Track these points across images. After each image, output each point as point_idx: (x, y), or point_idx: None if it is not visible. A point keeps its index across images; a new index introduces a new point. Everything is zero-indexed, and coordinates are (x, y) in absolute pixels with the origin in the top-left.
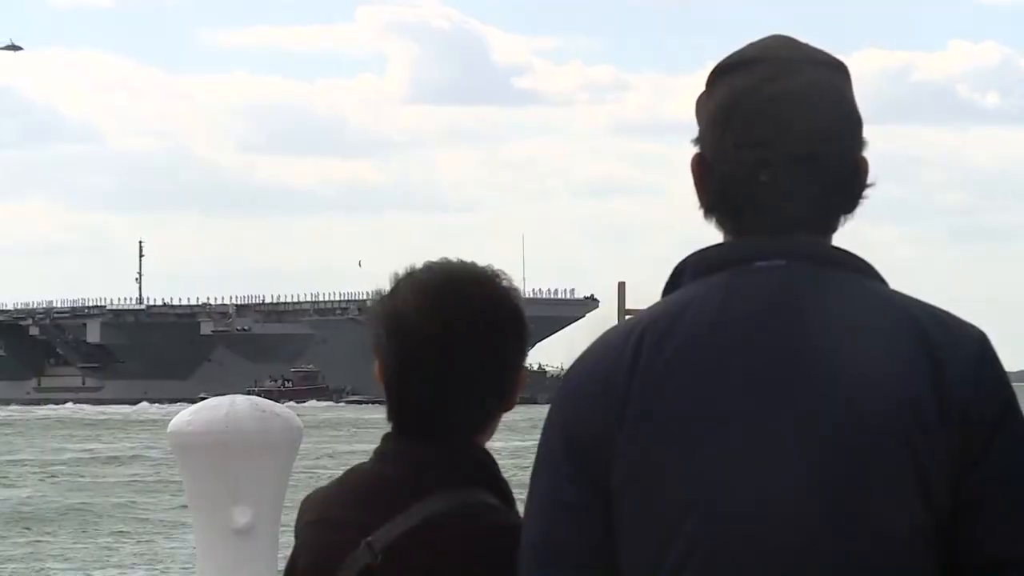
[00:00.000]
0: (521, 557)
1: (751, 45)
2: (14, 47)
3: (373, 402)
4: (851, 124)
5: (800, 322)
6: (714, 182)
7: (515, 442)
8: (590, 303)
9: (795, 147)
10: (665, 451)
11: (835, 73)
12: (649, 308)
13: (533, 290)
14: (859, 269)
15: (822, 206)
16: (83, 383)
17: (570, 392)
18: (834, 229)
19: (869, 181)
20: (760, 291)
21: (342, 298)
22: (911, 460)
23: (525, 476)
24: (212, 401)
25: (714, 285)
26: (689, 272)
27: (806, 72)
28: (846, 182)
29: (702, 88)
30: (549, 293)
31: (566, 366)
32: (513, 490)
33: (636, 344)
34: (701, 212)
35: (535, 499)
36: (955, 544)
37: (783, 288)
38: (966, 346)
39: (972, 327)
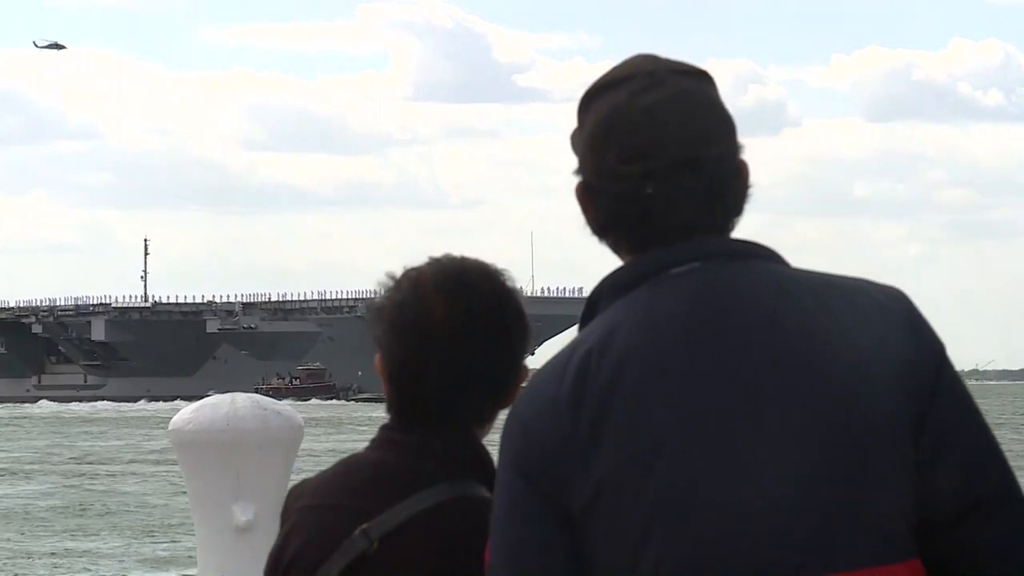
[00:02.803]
0: None
1: (614, 68)
2: (57, 46)
3: (381, 400)
4: (726, 127)
5: (736, 319)
6: (602, 204)
7: None
8: None
9: (676, 153)
10: (624, 462)
11: (701, 81)
12: (580, 334)
13: (542, 288)
14: (768, 257)
15: (711, 210)
16: (85, 380)
17: (517, 426)
18: (728, 232)
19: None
20: (686, 295)
21: (349, 296)
22: (900, 453)
23: None
24: (213, 399)
25: (636, 300)
26: (605, 297)
27: (672, 82)
28: (731, 185)
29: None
30: (558, 291)
31: None
32: None
33: (581, 365)
34: (594, 235)
35: (498, 537)
36: (920, 501)
37: (707, 288)
38: (894, 307)
39: (891, 288)
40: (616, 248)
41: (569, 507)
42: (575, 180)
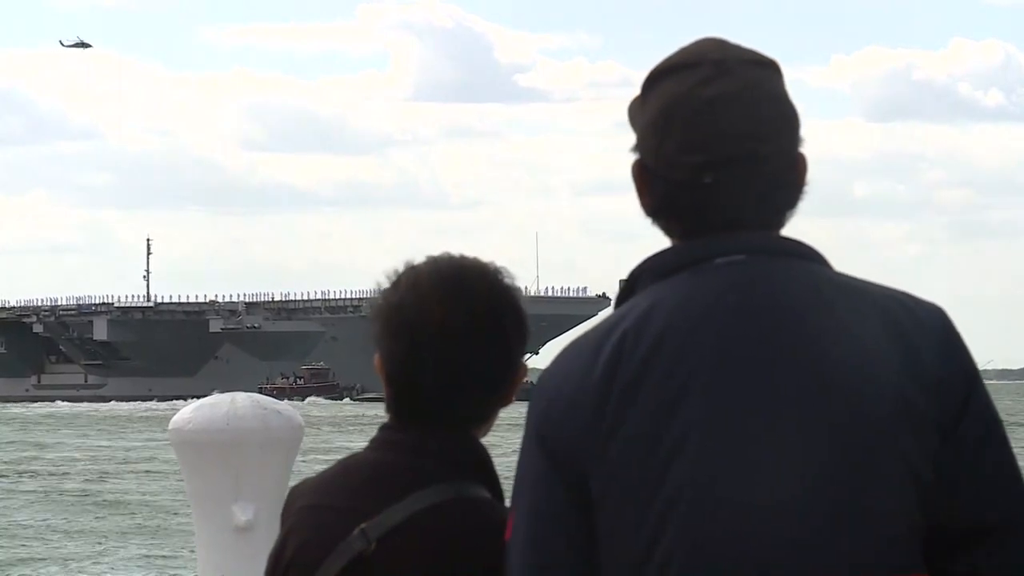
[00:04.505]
0: (511, 574)
1: (682, 49)
2: (83, 44)
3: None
4: (788, 122)
5: (774, 314)
6: (658, 187)
7: None
8: (602, 301)
9: (735, 148)
10: (646, 449)
11: (768, 72)
12: (615, 312)
13: (547, 288)
14: (812, 258)
15: (767, 204)
16: (85, 380)
17: (544, 403)
18: (781, 225)
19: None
20: (726, 286)
21: (353, 295)
22: (903, 446)
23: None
24: (213, 398)
25: (677, 285)
26: (647, 277)
27: (740, 73)
28: (787, 179)
29: None
30: (562, 291)
31: None
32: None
33: (615, 345)
34: (647, 216)
35: (520, 515)
36: (933, 517)
37: (749, 282)
38: (931, 323)
39: (931, 304)
40: (667, 231)
41: (587, 490)
42: (567, 180)
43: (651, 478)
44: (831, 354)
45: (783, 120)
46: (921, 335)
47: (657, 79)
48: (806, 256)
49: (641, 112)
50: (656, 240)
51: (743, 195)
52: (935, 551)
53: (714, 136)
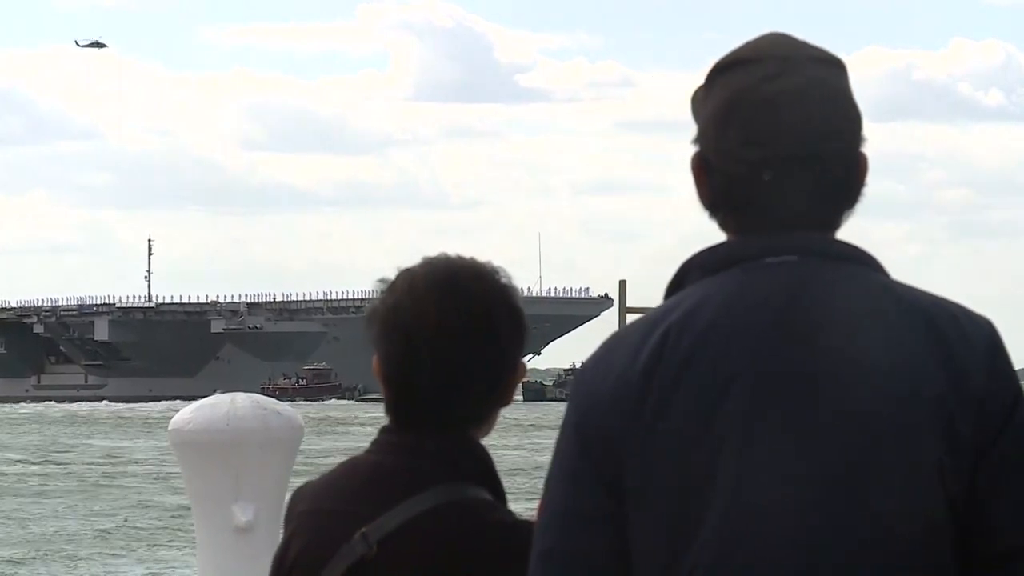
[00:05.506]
0: (534, 564)
1: (749, 43)
2: (99, 44)
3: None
4: (851, 121)
5: (819, 317)
6: (717, 181)
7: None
8: (604, 302)
9: (797, 145)
10: (683, 448)
11: (834, 70)
12: (661, 305)
13: (550, 288)
14: (865, 263)
15: (825, 203)
16: (85, 381)
17: (585, 392)
18: (838, 226)
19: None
20: (775, 286)
21: (355, 296)
22: (931, 457)
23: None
24: (213, 399)
25: (727, 281)
26: (697, 271)
27: (806, 70)
28: (847, 179)
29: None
30: (564, 292)
31: None
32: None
33: (659, 340)
34: (705, 210)
35: (550, 504)
36: (966, 535)
37: (798, 283)
38: (978, 337)
39: (981, 317)
40: (723, 226)
41: (622, 485)
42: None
43: (687, 477)
44: (849, 354)
45: (845, 119)
46: (965, 345)
47: (721, 72)
48: (860, 260)
49: (704, 104)
50: (654, 240)
51: (801, 193)
52: (973, 572)
53: (775, 132)
